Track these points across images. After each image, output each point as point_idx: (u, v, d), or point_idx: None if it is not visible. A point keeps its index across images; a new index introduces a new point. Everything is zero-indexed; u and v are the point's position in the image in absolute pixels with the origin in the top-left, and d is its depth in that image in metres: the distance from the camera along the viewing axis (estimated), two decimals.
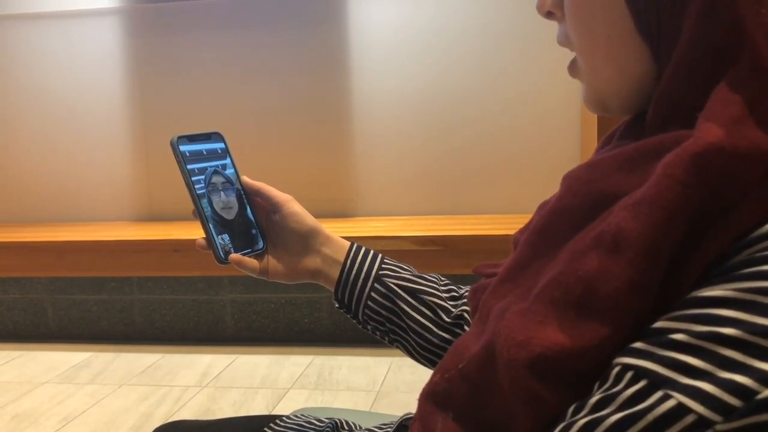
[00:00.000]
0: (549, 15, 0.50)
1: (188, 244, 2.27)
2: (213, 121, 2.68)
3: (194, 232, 0.76)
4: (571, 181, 0.47)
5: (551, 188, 0.49)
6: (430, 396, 0.50)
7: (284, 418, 0.82)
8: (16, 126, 2.84)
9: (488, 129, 2.55)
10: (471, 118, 2.56)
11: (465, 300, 0.75)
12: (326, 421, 0.81)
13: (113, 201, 2.81)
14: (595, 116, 2.18)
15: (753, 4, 0.37)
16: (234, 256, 0.75)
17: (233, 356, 2.44)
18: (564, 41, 0.50)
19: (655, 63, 0.43)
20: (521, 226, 0.56)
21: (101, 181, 2.81)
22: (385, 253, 0.80)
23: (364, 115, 2.62)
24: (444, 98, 2.56)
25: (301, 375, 2.25)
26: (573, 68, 0.51)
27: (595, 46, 0.46)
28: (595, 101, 0.49)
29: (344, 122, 2.64)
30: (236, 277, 2.52)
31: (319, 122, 2.65)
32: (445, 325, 0.74)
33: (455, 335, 0.73)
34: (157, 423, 1.91)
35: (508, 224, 2.31)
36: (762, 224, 0.35)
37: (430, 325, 0.74)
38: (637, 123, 0.47)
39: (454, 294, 0.77)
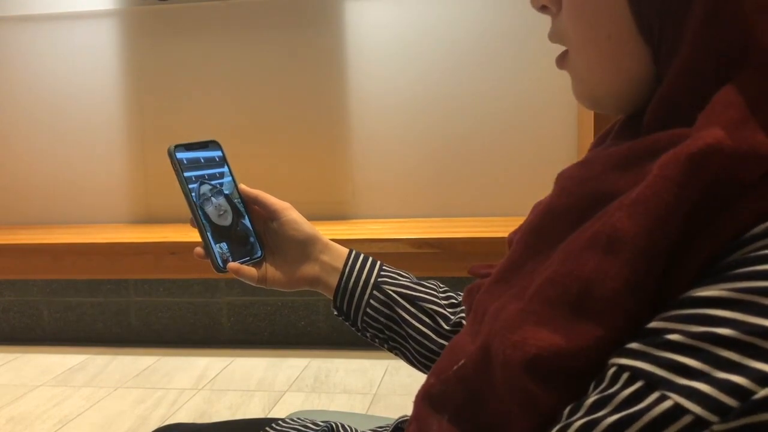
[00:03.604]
0: (543, 9, 0.49)
1: (185, 247, 2.27)
2: (209, 123, 2.67)
3: (191, 234, 0.76)
4: (565, 180, 0.46)
5: (548, 191, 0.49)
6: (426, 398, 0.50)
7: (280, 421, 0.82)
8: (12, 128, 2.83)
9: (484, 132, 2.55)
10: (467, 121, 2.56)
11: (463, 306, 0.75)
12: (322, 424, 0.81)
13: (109, 203, 2.81)
14: (592, 119, 2.19)
15: (761, 10, 0.37)
16: (232, 264, 0.75)
17: (229, 359, 2.43)
18: (556, 37, 0.49)
19: (654, 65, 0.43)
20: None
21: (97, 183, 2.80)
22: (382, 255, 0.80)
23: (360, 118, 2.62)
24: (440, 101, 2.56)
25: (297, 378, 2.25)
26: (563, 61, 0.49)
27: (595, 45, 0.45)
28: (589, 98, 0.48)
29: (341, 124, 2.64)
30: (233, 280, 2.51)
31: (315, 124, 2.65)
32: (444, 332, 0.74)
33: None
34: (153, 426, 1.91)
35: (505, 227, 2.29)
36: (757, 224, 0.35)
37: (429, 333, 0.74)
38: (633, 123, 0.46)
39: (453, 301, 0.77)
